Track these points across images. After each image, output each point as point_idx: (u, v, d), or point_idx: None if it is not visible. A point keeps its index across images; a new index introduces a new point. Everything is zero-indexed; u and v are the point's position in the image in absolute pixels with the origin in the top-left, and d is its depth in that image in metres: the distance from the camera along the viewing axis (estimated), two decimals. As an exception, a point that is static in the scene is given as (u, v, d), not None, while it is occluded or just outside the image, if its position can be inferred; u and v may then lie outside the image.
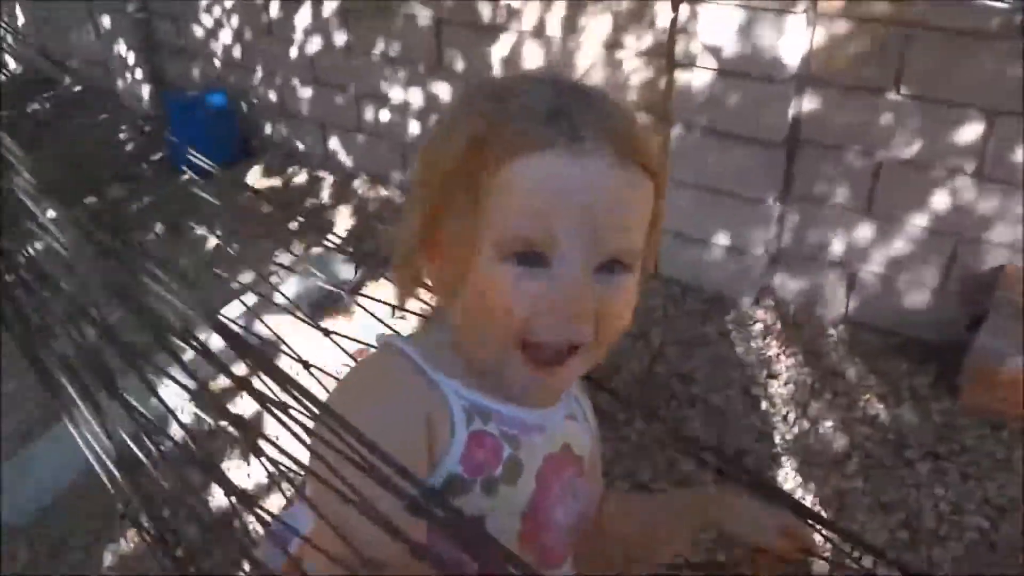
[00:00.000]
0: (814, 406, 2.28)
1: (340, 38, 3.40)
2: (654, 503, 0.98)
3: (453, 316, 0.76)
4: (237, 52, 3.89)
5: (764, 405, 2.30)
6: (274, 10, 3.58)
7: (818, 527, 0.88)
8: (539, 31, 2.80)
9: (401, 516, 0.48)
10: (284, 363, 2.74)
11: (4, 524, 2.25)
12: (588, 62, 2.73)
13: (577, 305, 0.69)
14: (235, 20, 3.79)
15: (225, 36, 3.88)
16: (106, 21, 4.31)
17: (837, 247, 2.52)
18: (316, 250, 3.20)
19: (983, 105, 2.15)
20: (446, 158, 0.72)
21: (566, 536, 0.81)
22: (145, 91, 4.29)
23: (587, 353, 0.73)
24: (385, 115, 3.43)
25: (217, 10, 3.84)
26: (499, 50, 2.92)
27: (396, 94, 3.34)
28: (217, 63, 4.01)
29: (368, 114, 3.50)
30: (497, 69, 2.96)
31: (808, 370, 2.41)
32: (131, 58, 4.28)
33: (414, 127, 3.37)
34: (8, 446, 2.51)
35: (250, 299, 2.82)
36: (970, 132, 2.19)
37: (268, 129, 3.99)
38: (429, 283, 0.79)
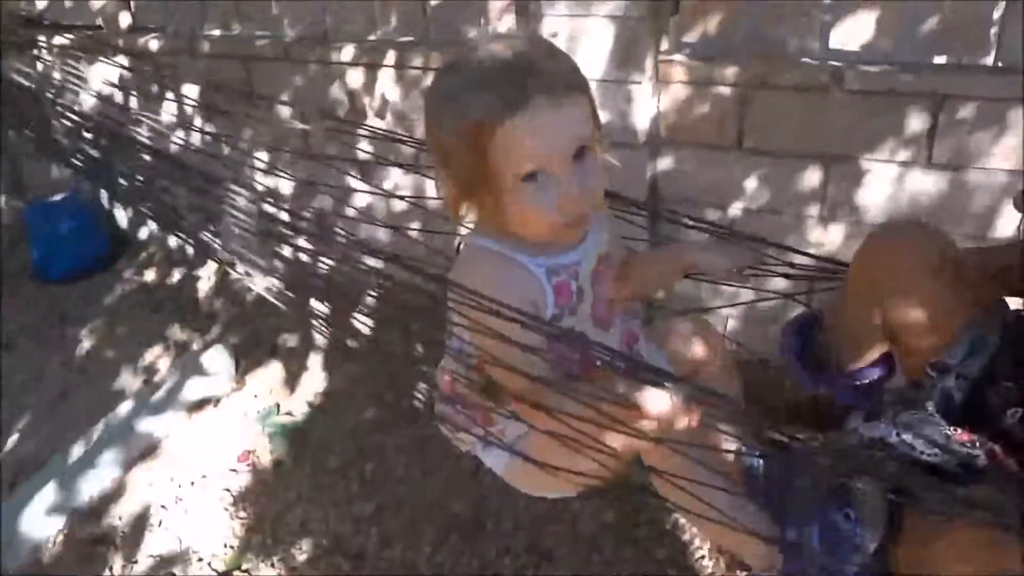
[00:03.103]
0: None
1: (205, 128, 3.37)
2: (651, 257, 1.52)
3: (509, 225, 1.12)
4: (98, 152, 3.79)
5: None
6: (134, 104, 3.52)
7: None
8: (402, 117, 2.86)
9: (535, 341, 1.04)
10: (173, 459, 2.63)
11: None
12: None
13: (572, 195, 1.07)
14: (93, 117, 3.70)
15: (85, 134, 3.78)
16: (-46, 131, 4.14)
17: (705, 296, 2.64)
18: (195, 346, 3.12)
19: (819, 153, 2.32)
20: (450, 145, 1.09)
21: (609, 307, 1.25)
22: (1, 200, 4.13)
23: (589, 209, 1.13)
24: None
25: (74, 109, 3.74)
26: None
27: (266, 181, 3.32)
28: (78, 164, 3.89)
29: (241, 203, 3.46)
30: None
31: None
32: (-16, 167, 4.11)
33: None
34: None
35: (127, 405, 2.73)
36: (811, 179, 2.35)
37: (138, 228, 3.89)
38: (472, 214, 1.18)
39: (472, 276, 1.12)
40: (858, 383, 1.37)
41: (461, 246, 1.23)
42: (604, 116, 2.41)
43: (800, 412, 1.49)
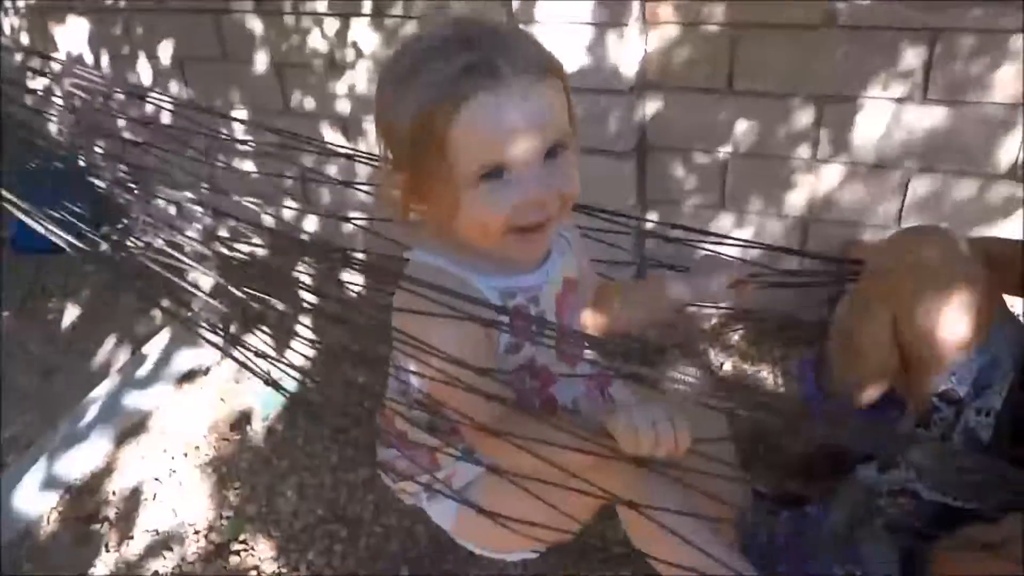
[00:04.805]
0: (698, 404, 2.32)
1: (181, 92, 3.27)
2: (632, 286, 1.38)
3: (457, 231, 1.00)
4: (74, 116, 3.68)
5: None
6: (105, 66, 3.41)
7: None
8: (379, 70, 2.76)
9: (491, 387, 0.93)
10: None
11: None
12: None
13: (538, 196, 0.96)
14: (66, 82, 3.59)
15: (58, 99, 3.67)
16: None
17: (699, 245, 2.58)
18: (183, 315, 3.06)
19: (811, 93, 2.24)
20: (403, 132, 0.94)
21: (576, 340, 1.11)
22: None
23: (556, 217, 1.01)
24: (236, 164, 3.32)
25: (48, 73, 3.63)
26: (343, 88, 2.88)
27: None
28: (55, 129, 3.79)
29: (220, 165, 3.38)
30: (344, 105, 2.91)
31: (690, 370, 2.45)
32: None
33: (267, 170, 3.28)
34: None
35: (115, 379, 2.68)
36: (804, 119, 2.28)
37: (120, 195, 3.80)
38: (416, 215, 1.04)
39: (417, 305, 0.94)
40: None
41: (408, 262, 1.10)
42: (588, 60, 2.34)
43: (811, 463, 1.44)
